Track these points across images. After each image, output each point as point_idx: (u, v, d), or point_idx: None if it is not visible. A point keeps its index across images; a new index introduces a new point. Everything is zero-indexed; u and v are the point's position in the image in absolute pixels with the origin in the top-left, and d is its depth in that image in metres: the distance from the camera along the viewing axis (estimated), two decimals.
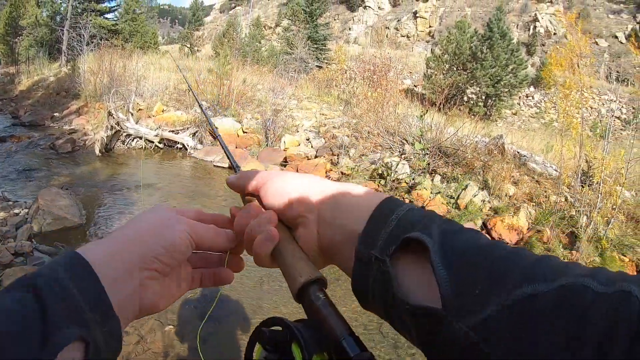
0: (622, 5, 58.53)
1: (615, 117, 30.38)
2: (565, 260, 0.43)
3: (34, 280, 0.46)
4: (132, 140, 12.61)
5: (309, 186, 0.61)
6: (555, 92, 27.15)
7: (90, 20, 26.56)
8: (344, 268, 0.57)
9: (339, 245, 0.57)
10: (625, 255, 7.29)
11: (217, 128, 1.10)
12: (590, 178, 8.42)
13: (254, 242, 0.60)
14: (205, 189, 9.72)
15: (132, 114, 12.83)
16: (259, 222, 0.61)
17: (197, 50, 36.35)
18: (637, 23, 52.23)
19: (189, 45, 36.42)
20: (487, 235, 4.86)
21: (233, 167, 0.81)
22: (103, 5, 33.12)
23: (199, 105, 1.06)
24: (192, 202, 8.71)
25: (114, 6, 34.30)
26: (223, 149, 0.86)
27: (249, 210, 0.64)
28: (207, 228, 0.63)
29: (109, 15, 34.03)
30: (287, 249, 0.59)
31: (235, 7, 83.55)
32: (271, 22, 67.41)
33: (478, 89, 25.43)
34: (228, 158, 0.83)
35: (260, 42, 33.12)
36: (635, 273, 6.83)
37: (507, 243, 4.60)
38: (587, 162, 8.64)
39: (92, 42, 21.07)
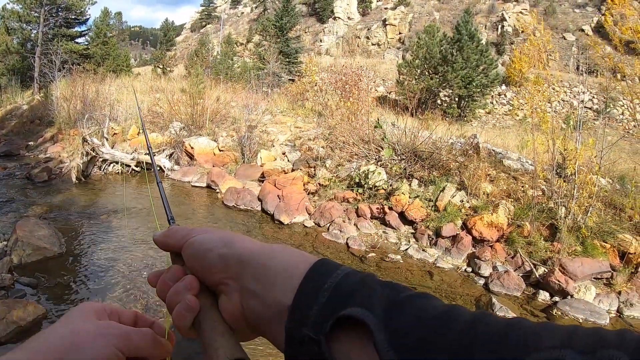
0: None
1: (587, 107, 30.97)
2: (537, 322, 0.38)
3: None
4: (109, 165, 12.51)
5: (231, 247, 0.54)
6: (523, 90, 27.63)
7: (62, 46, 26.31)
8: (276, 345, 0.48)
9: (265, 320, 0.49)
10: (606, 242, 7.42)
11: (158, 169, 1.07)
12: (566, 170, 8.56)
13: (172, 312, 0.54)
14: (184, 210, 9.66)
15: (107, 139, 12.73)
16: (177, 290, 0.55)
17: (170, 70, 36.16)
18: (602, 15, 53.43)
19: (161, 66, 36.23)
20: (468, 234, 4.92)
21: (168, 219, 0.74)
22: (73, 30, 32.78)
23: (147, 143, 1.04)
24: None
25: (85, 30, 33.99)
26: (161, 196, 0.81)
27: (172, 273, 0.58)
28: (144, 336, 0.55)
29: (80, 40, 33.64)
30: (207, 320, 0.52)
31: (206, 25, 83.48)
32: (242, 39, 67.40)
33: (450, 91, 25.72)
34: (164, 207, 0.77)
35: (232, 59, 33.11)
36: (617, 260, 6.96)
37: (488, 240, 4.69)
38: (561, 154, 8.79)
39: (64, 68, 20.86)
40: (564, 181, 8.36)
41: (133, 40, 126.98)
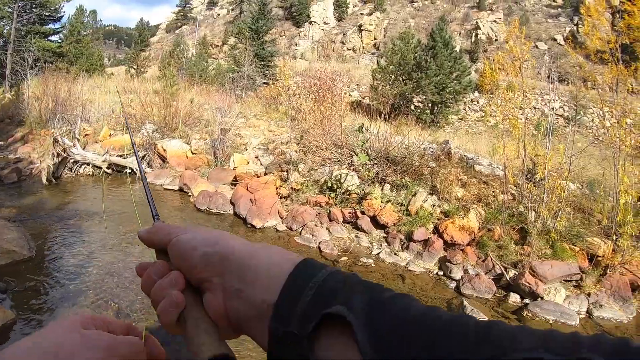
0: (559, 9, 61.46)
1: (558, 115, 31.64)
2: (513, 325, 0.38)
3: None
4: (80, 167, 12.26)
5: (215, 246, 0.53)
6: (495, 97, 28.11)
7: (34, 43, 25.71)
8: (259, 343, 0.48)
9: (249, 319, 0.49)
10: (575, 245, 7.58)
11: (144, 171, 1.02)
12: (535, 175, 8.71)
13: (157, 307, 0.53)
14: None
15: (78, 140, 12.45)
16: (162, 286, 0.54)
17: (144, 71, 35.72)
18: (574, 25, 54.74)
19: (135, 67, 35.74)
20: (439, 238, 4.95)
21: (152, 216, 0.72)
22: (47, 27, 31.92)
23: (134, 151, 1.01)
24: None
25: (59, 28, 33.15)
26: (146, 193, 0.79)
27: (157, 268, 0.57)
28: (131, 345, 0.52)
29: (53, 38, 32.81)
30: (192, 317, 0.52)
31: (181, 26, 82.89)
32: (218, 41, 67.08)
33: (424, 97, 26.05)
34: (149, 204, 0.74)
35: (207, 61, 32.88)
36: (587, 262, 7.07)
37: (460, 244, 4.71)
38: (531, 159, 8.94)
39: (37, 66, 20.37)
40: (534, 186, 8.50)
41: (107, 40, 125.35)
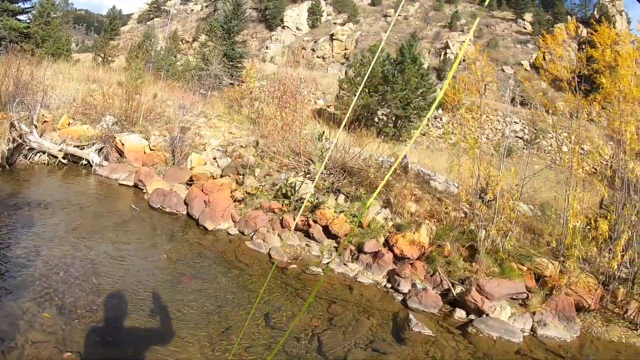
0: (528, 36, 63.41)
1: (519, 137, 32.51)
2: None
3: None
4: (35, 155, 11.87)
5: None
6: (455, 116, 28.69)
7: (1, 21, 24.67)
8: None
9: None
10: (523, 265, 7.74)
11: None
12: (486, 195, 8.88)
13: None
14: (107, 209, 9.28)
15: (36, 127, 12.03)
16: None
17: (111, 60, 34.87)
18: (547, 53, 56.48)
19: (102, 55, 34.83)
20: (389, 251, 5.01)
21: None
22: (17, 5, 30.39)
23: None
24: (93, 221, 8.30)
25: (29, 7, 31.57)
26: None
27: None
28: None
29: (21, 17, 31.22)
30: None
31: (153, 18, 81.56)
32: (189, 37, 66.37)
33: (388, 110, 26.26)
34: None
35: (175, 56, 32.37)
36: (533, 282, 7.24)
37: (409, 258, 4.85)
38: (485, 179, 9.11)
39: (1, 45, 19.54)
40: (485, 205, 8.67)
41: (77, 24, 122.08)
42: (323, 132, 10.66)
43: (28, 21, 31.48)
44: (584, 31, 50.38)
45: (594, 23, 9.79)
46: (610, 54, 8.73)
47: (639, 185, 8.31)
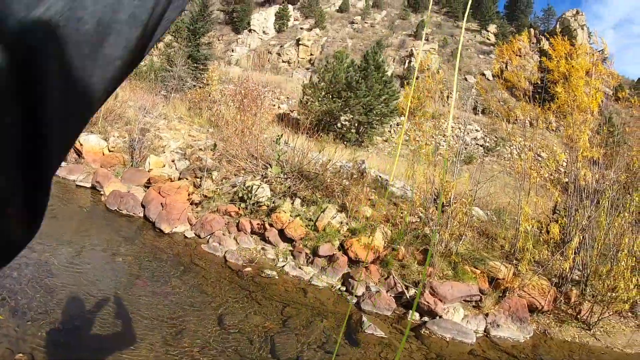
0: (492, 46, 64.93)
1: (479, 145, 33.21)
2: None
3: None
4: None
5: None
6: (411, 123, 29.04)
7: None
8: None
9: None
10: (477, 268, 7.97)
11: None
12: (438, 200, 9.07)
13: None
14: (63, 210, 9.07)
15: None
16: None
17: None
18: (503, 62, 57.94)
19: None
20: (344, 255, 5.11)
21: None
22: None
23: None
24: (48, 223, 8.10)
25: None
26: None
27: None
28: None
29: None
30: None
31: None
32: None
33: (351, 116, 26.45)
34: None
35: None
36: (487, 284, 7.43)
37: (364, 261, 4.84)
38: (441, 185, 9.33)
39: None
40: (439, 210, 8.87)
41: None
42: (281, 135, 10.69)
43: None
44: (545, 44, 51.94)
45: (553, 36, 10.18)
46: (565, 65, 9.10)
47: (591, 191, 8.65)
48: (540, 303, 7.66)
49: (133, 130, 12.69)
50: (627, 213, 8.03)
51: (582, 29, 67.82)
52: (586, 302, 7.86)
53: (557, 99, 9.21)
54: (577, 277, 8.32)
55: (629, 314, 8.10)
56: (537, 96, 9.74)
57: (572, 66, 9.15)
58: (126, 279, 6.53)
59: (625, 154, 9.57)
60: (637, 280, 7.32)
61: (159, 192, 9.83)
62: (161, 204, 9.43)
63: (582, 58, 9.47)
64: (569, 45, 9.51)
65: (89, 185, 10.90)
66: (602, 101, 9.25)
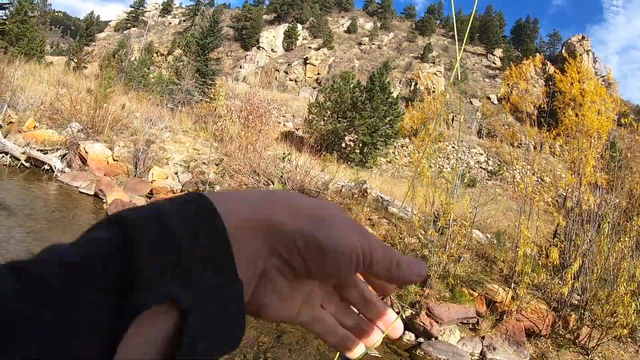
0: (497, 70, 65.36)
1: (483, 168, 33.21)
2: None
3: (122, 215, 0.32)
4: None
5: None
6: (411, 144, 29.07)
7: None
8: None
9: None
10: (474, 290, 7.96)
11: None
12: (438, 222, 9.09)
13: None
14: (64, 215, 9.19)
15: (1, 126, 11.88)
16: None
17: (84, 66, 34.39)
18: (510, 86, 58.28)
19: (76, 60, 34.27)
20: None
21: None
22: None
23: None
24: (49, 227, 8.19)
25: (6, 3, 30.67)
26: None
27: None
28: (387, 250, 0.42)
29: None
30: None
31: (130, 27, 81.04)
32: (164, 49, 66.10)
33: (356, 136, 26.58)
34: None
35: (149, 68, 32.22)
36: (484, 307, 7.41)
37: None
38: (441, 207, 9.34)
39: None
40: (438, 232, 8.87)
41: (54, 26, 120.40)
42: (288, 154, 10.77)
43: (4, 17, 30.53)
44: (551, 68, 52.18)
45: (563, 61, 10.29)
46: (578, 87, 9.16)
47: (592, 215, 8.64)
48: (538, 327, 7.63)
49: (138, 141, 12.81)
50: (627, 238, 8.00)
51: (588, 54, 68.37)
52: (585, 326, 7.80)
53: (564, 122, 9.24)
54: (576, 302, 8.27)
55: (628, 339, 8.04)
56: (542, 120, 9.79)
57: (584, 90, 9.21)
58: None
59: (627, 178, 9.57)
60: (637, 305, 7.28)
61: None
62: None
63: (591, 82, 9.53)
64: (576, 71, 9.59)
65: (92, 192, 11.00)
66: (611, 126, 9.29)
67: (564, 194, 10.10)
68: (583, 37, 72.76)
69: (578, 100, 9.06)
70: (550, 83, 10.26)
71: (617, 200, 8.92)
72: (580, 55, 63.90)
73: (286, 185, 10.04)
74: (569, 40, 73.63)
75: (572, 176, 9.11)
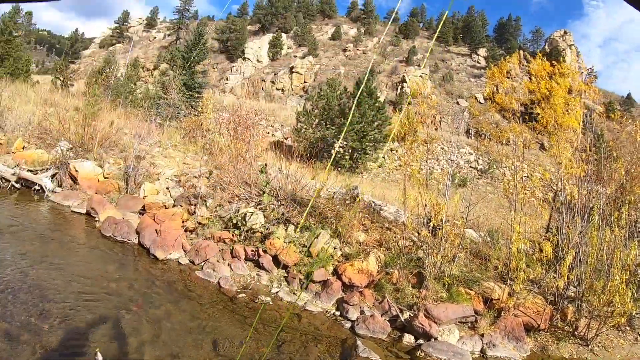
0: (482, 70, 65.90)
1: (472, 167, 33.42)
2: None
3: None
4: None
5: None
6: (401, 147, 29.19)
7: None
8: None
9: None
10: (471, 289, 8.01)
11: None
12: (430, 223, 9.13)
13: None
14: (58, 236, 9.12)
15: None
16: None
17: (70, 84, 34.23)
18: (494, 85, 58.80)
19: (62, 78, 34.09)
20: (338, 280, 5.12)
21: None
22: None
23: None
24: (43, 248, 8.16)
25: None
26: None
27: None
28: None
29: None
30: None
31: (115, 44, 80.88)
32: (150, 64, 66.08)
33: (345, 143, 26.63)
34: None
35: (135, 84, 32.13)
36: (482, 305, 7.48)
37: (358, 286, 5.11)
38: (433, 208, 9.39)
39: None
40: (431, 233, 8.92)
41: (38, 45, 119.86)
42: (265, 165, 10.79)
43: None
44: (534, 65, 52.61)
45: (534, 57, 10.40)
46: (545, 86, 9.26)
47: (580, 207, 8.71)
48: (536, 321, 7.69)
49: (128, 158, 12.78)
50: (617, 228, 8.07)
51: (571, 48, 69.07)
52: (583, 318, 7.87)
53: (541, 119, 9.34)
54: (572, 294, 8.32)
55: (627, 327, 8.12)
56: (527, 117, 9.89)
57: (552, 87, 9.30)
58: (120, 304, 6.54)
59: (610, 167, 9.65)
60: (633, 293, 7.35)
61: (154, 219, 9.88)
62: (156, 230, 9.47)
63: (563, 78, 9.63)
64: (549, 66, 9.68)
65: (84, 211, 10.95)
66: (586, 118, 9.37)
67: (554, 188, 10.19)
68: (565, 32, 73.45)
69: (552, 97, 9.15)
70: (526, 80, 10.35)
71: (605, 190, 9.00)
72: (564, 50, 64.44)
73: (278, 195, 10.06)
74: (552, 36, 74.33)
75: (554, 170, 9.16)
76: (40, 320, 5.46)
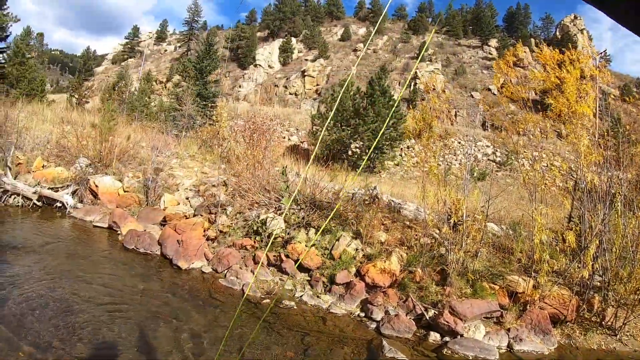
0: (494, 61, 65.11)
1: (491, 160, 33.10)
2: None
3: None
4: (10, 197, 11.96)
5: None
6: (417, 144, 28.98)
7: None
8: None
9: None
10: (495, 284, 7.91)
11: None
12: (451, 219, 9.07)
13: None
14: (82, 250, 9.29)
15: (10, 168, 12.12)
16: None
17: (86, 101, 34.77)
18: (504, 76, 58.11)
19: (77, 96, 34.65)
20: (361, 281, 5.14)
21: None
22: None
23: None
24: (68, 263, 8.30)
25: (3, 47, 31.46)
26: None
27: None
28: None
29: None
30: None
31: (127, 59, 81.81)
32: (162, 77, 66.72)
33: (361, 143, 26.56)
34: None
35: (149, 97, 32.50)
36: (507, 299, 7.42)
37: (381, 286, 5.07)
38: (453, 204, 9.32)
39: None
40: (452, 229, 8.86)
41: (52, 65, 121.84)
42: (285, 167, 10.83)
43: (3, 61, 31.25)
44: (547, 52, 51.87)
45: (556, 44, 10.26)
46: (554, 75, 9.13)
47: (601, 194, 8.56)
48: (562, 313, 7.57)
49: (147, 170, 12.96)
50: None
51: (582, 33, 68.05)
52: (610, 307, 7.72)
53: (553, 108, 9.20)
54: (598, 283, 8.17)
55: None
56: (539, 105, 9.74)
57: (563, 76, 9.16)
58: (146, 315, 6.62)
59: (630, 151, 9.46)
60: None
61: (175, 230, 10.00)
62: (177, 241, 9.58)
63: (573, 66, 9.45)
64: (558, 53, 9.52)
65: (106, 225, 11.15)
66: (602, 103, 9.18)
67: (574, 176, 10.04)
68: (575, 17, 72.40)
69: (563, 85, 9.01)
70: (533, 70, 10.22)
71: (625, 176, 8.84)
72: (575, 35, 63.39)
73: (297, 199, 10.08)
74: (562, 22, 73.33)
75: (573, 159, 8.98)
76: (67, 333, 5.56)
